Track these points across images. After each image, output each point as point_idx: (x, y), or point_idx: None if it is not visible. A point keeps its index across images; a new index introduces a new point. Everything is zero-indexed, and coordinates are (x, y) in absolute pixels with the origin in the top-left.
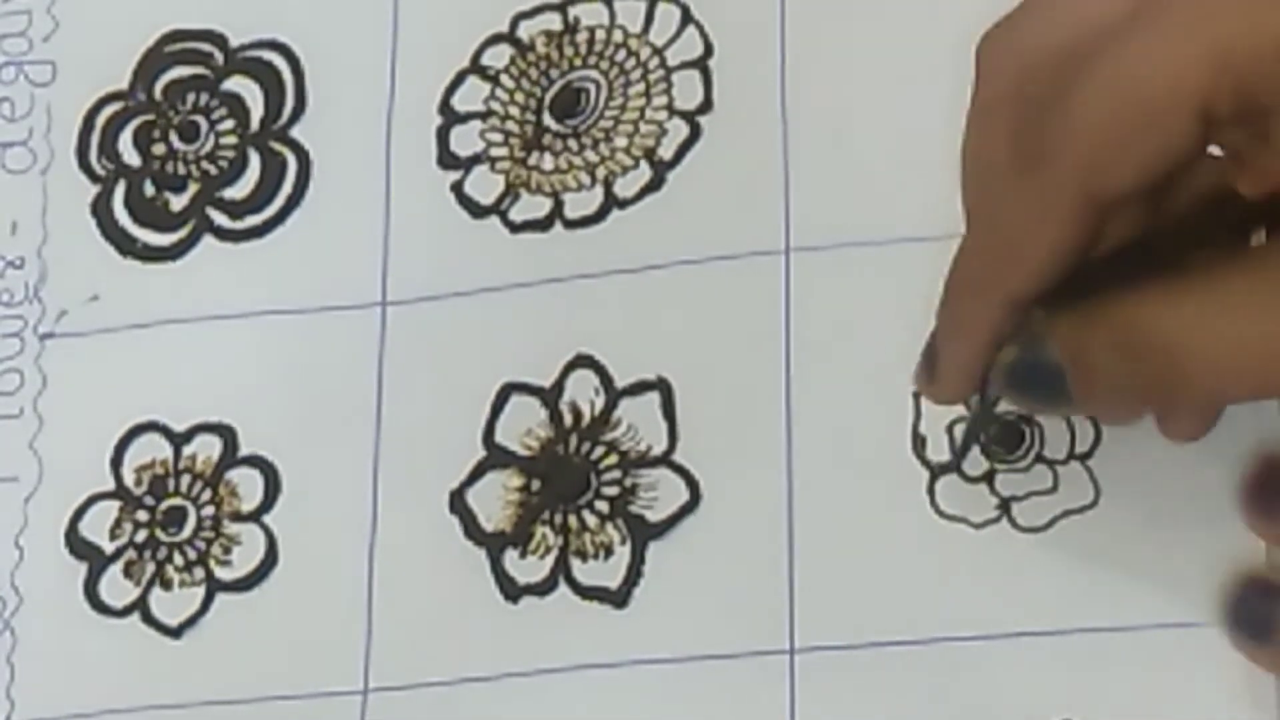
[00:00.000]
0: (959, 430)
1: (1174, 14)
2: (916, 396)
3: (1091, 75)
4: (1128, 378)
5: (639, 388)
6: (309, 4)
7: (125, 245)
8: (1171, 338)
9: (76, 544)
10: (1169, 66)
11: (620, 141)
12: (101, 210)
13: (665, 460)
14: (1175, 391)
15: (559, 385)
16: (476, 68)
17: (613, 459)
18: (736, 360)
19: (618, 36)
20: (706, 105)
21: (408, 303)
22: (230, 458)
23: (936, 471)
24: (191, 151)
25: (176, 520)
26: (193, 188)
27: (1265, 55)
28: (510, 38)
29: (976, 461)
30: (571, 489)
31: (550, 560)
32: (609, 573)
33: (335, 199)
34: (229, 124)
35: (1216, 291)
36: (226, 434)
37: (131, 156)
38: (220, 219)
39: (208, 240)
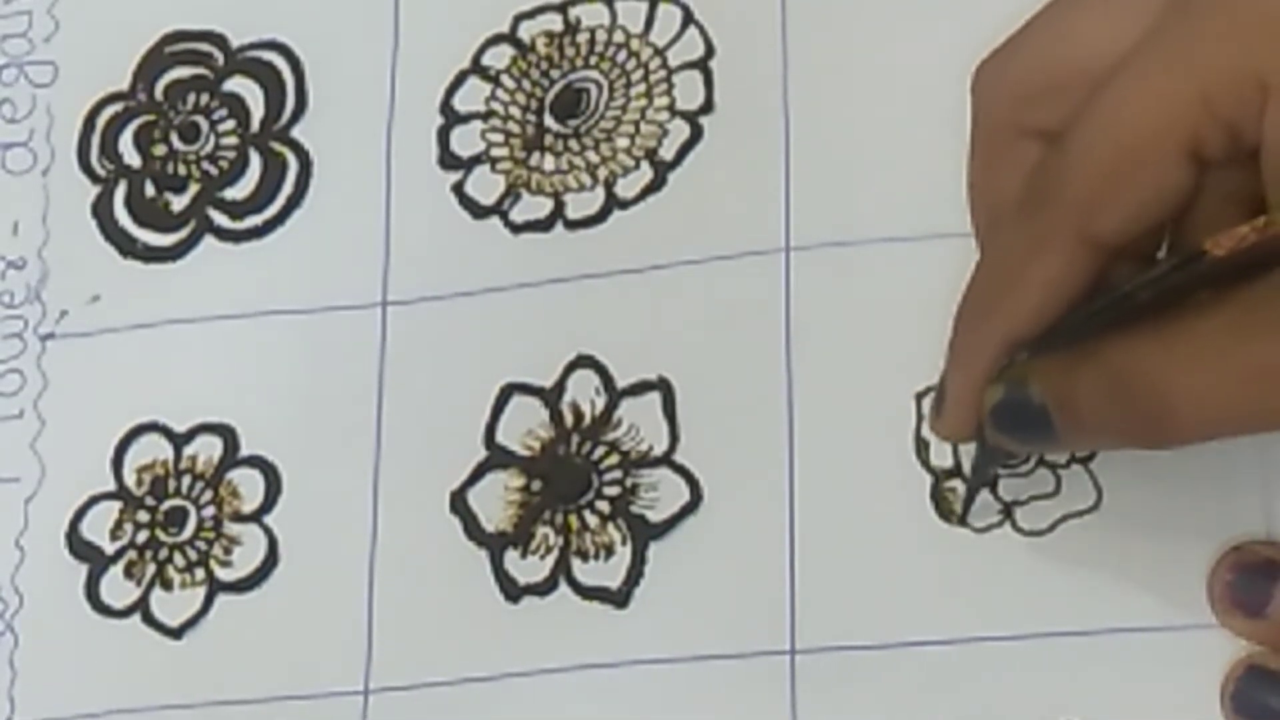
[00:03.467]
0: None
1: (1161, 53)
2: (918, 398)
3: (1087, 114)
4: (1115, 418)
5: (640, 388)
6: (309, 4)
7: (126, 246)
8: (1158, 377)
9: (77, 545)
10: (1157, 107)
11: (621, 142)
12: (102, 211)
13: (666, 460)
14: (1163, 430)
15: (560, 385)
16: (477, 68)
17: (614, 459)
18: (737, 360)
19: (619, 37)
20: (708, 106)
21: (409, 303)
22: (231, 458)
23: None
24: (192, 152)
25: (177, 521)
26: (193, 188)
27: (1247, 94)
28: (511, 38)
29: (984, 512)
30: (572, 489)
31: (551, 560)
32: (610, 573)
33: (336, 199)
34: (230, 124)
35: (1204, 329)
36: (227, 434)
37: (132, 157)
38: (221, 219)
39: (209, 241)
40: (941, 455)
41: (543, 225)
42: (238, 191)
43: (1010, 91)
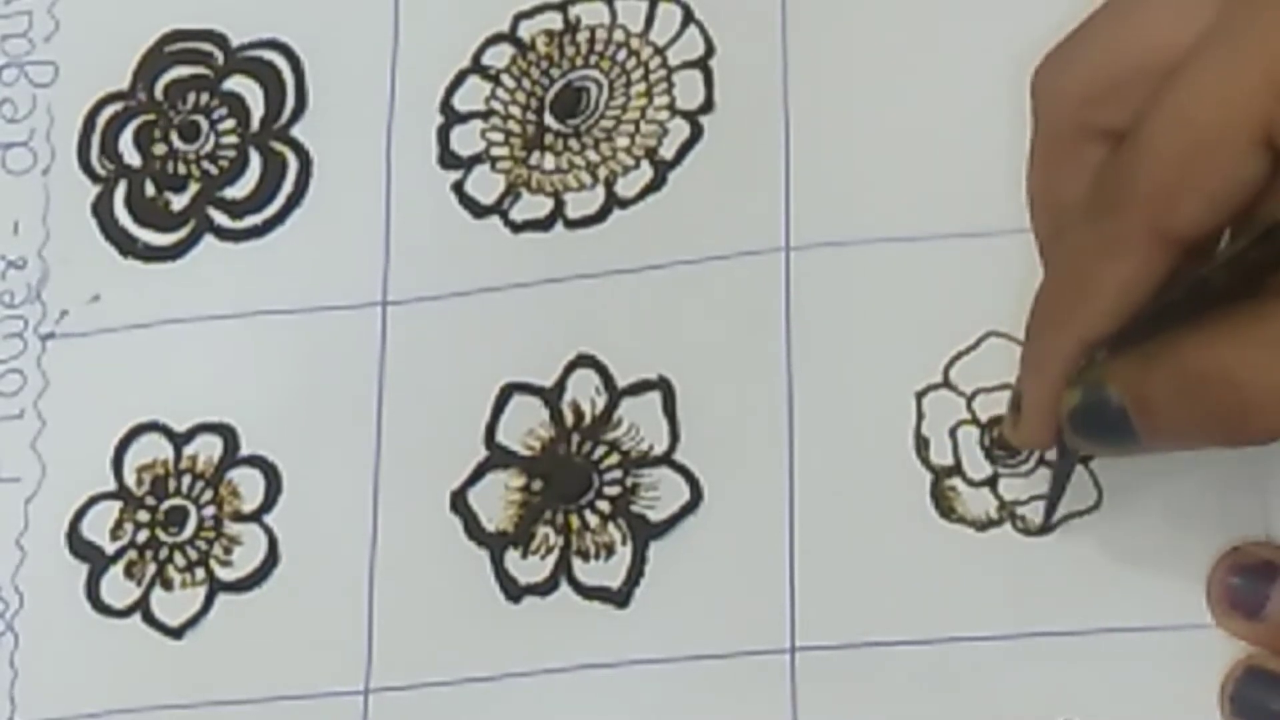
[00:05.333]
0: (962, 434)
1: (1228, 43)
2: (918, 397)
3: (1155, 110)
4: (1193, 416)
5: (640, 387)
6: (309, 4)
7: (126, 245)
8: (1233, 373)
9: (78, 544)
10: (1228, 96)
11: (621, 141)
12: (103, 210)
13: (666, 460)
14: (1239, 427)
15: (560, 385)
16: (477, 67)
17: (614, 459)
18: (738, 360)
19: (619, 36)
20: (708, 105)
21: (409, 302)
22: (231, 458)
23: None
24: (192, 151)
25: (178, 520)
26: (193, 187)
27: None
28: (511, 37)
29: (1061, 510)
30: (573, 489)
31: (552, 560)
32: (610, 573)
33: (336, 199)
34: (229, 124)
35: (1278, 319)
36: (227, 434)
37: (132, 156)
38: (221, 219)
39: (208, 240)
40: (941, 454)
41: (543, 224)
42: (238, 191)
43: (1073, 92)
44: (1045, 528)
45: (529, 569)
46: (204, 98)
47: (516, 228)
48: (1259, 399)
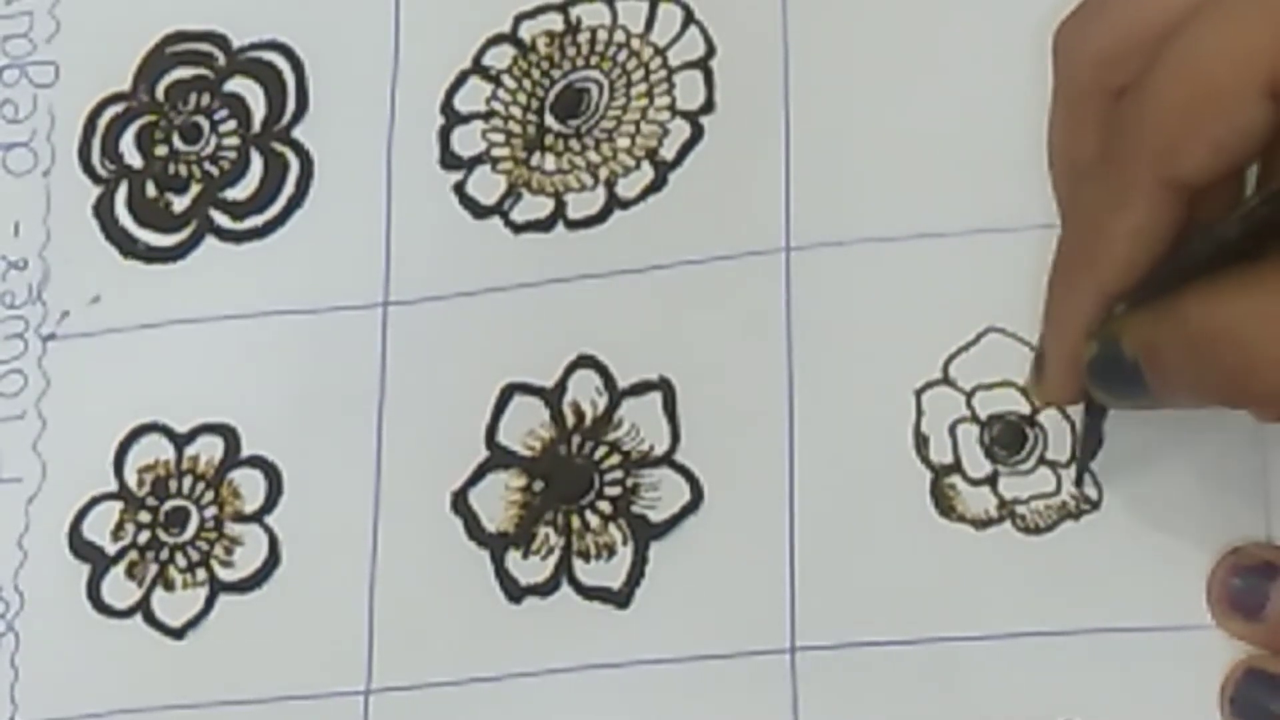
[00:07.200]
0: (961, 431)
1: None
2: (918, 395)
3: (1162, 60)
4: (1197, 372)
5: (641, 388)
6: (311, 5)
7: (127, 246)
8: (1238, 331)
9: (79, 545)
10: (1236, 47)
11: (622, 142)
12: (104, 211)
13: (667, 460)
14: (1243, 386)
15: (561, 385)
16: (478, 68)
17: (615, 459)
18: (738, 360)
19: (620, 37)
20: (709, 106)
21: (410, 303)
22: (232, 458)
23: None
24: (194, 152)
25: (179, 521)
26: (195, 189)
27: None
28: (512, 38)
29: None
30: (574, 489)
31: (553, 561)
32: (611, 573)
33: (337, 200)
34: (231, 125)
35: None
36: (228, 435)
37: (134, 157)
38: (222, 220)
39: (210, 241)
40: (941, 452)
41: (544, 225)
42: (239, 192)
43: (1093, 53)
44: (1079, 481)
45: (530, 569)
46: (205, 99)
47: (517, 228)
48: (1262, 359)
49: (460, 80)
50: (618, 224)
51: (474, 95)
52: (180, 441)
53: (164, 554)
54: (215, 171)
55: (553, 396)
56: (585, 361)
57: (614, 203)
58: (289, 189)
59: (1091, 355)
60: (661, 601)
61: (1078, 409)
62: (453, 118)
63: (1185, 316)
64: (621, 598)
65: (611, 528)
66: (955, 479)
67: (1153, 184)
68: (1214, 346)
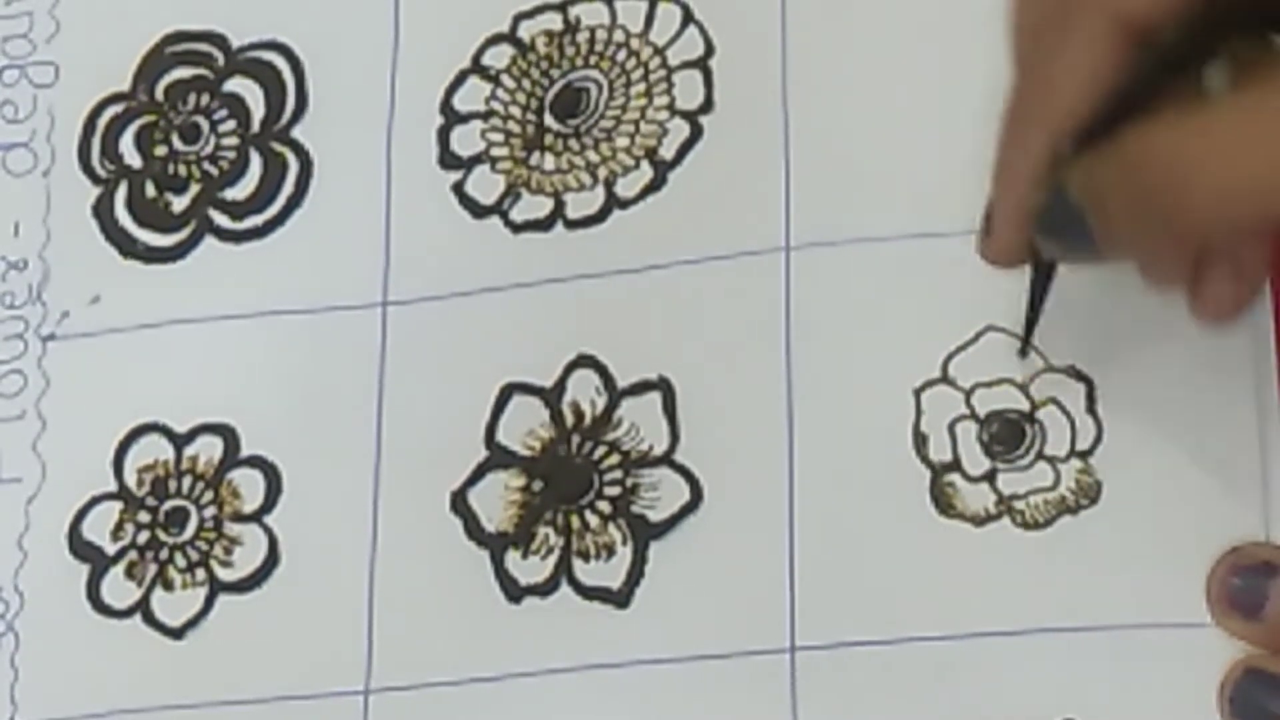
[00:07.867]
0: (960, 429)
1: None
2: (917, 394)
3: None
4: (1133, 206)
5: (640, 387)
6: (310, 5)
7: (127, 246)
8: (1172, 156)
9: (79, 545)
10: None
11: (621, 141)
12: (103, 211)
13: (667, 460)
14: (1179, 214)
15: (560, 385)
16: (477, 68)
17: (614, 459)
18: (737, 359)
19: (619, 36)
20: (708, 105)
21: (409, 303)
22: (232, 458)
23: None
24: (193, 152)
25: (178, 521)
26: (194, 189)
27: None
28: (511, 38)
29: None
30: (573, 489)
31: (552, 561)
32: (611, 573)
33: (336, 199)
34: (230, 125)
35: (1220, 112)
36: (228, 435)
37: (133, 158)
38: (222, 220)
39: (209, 241)
40: (940, 450)
41: (543, 225)
42: (238, 192)
43: None
44: (1024, 349)
45: (529, 569)
46: (204, 99)
47: (517, 228)
48: (1198, 182)
49: (459, 80)
50: (617, 224)
51: (473, 95)
52: (180, 441)
53: (163, 554)
54: (214, 171)
55: (552, 396)
56: (584, 361)
57: (613, 202)
58: (288, 189)
59: (1039, 205)
60: (661, 601)
61: (1067, 391)
62: (452, 117)
63: (1125, 149)
64: (621, 598)
65: (611, 528)
66: (954, 476)
67: (1100, 21)
68: (1148, 175)
